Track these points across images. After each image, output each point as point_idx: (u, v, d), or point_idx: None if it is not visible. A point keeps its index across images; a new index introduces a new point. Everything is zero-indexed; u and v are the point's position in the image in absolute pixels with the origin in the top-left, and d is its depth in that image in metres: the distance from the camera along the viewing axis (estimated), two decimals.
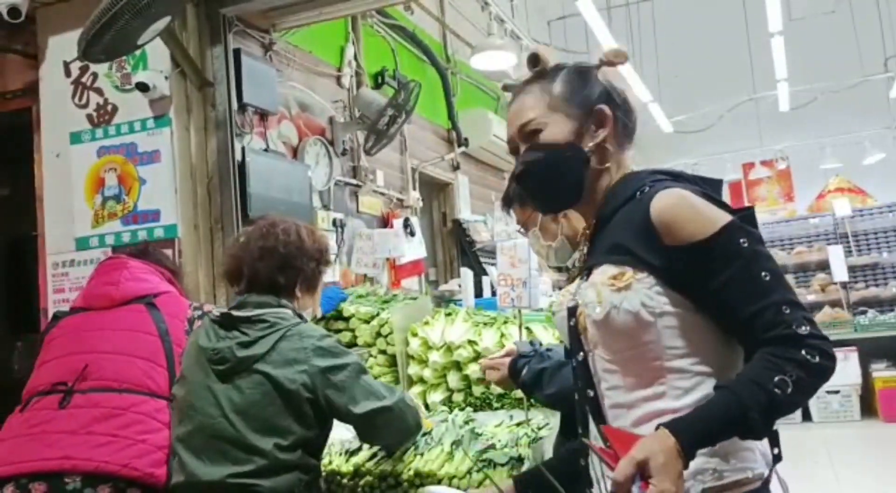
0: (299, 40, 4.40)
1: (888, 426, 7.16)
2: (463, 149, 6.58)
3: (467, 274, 4.87)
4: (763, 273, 1.30)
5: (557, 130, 1.47)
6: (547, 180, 1.50)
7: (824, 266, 8.38)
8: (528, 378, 2.08)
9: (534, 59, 1.53)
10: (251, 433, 1.90)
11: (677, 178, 1.46)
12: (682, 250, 1.32)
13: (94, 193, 3.54)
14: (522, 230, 2.16)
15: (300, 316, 2.09)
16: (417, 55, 5.98)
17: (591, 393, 1.47)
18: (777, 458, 1.37)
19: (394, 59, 5.59)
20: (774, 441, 1.36)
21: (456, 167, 6.62)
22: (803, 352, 1.24)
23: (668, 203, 1.35)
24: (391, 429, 2.14)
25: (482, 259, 6.17)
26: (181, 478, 1.98)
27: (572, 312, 1.48)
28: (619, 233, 1.41)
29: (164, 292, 2.51)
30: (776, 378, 1.22)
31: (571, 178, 1.47)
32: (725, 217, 1.33)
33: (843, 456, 6.22)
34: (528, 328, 2.95)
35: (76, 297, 2.62)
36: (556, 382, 1.97)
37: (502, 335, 3.08)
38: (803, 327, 1.26)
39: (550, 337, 3.03)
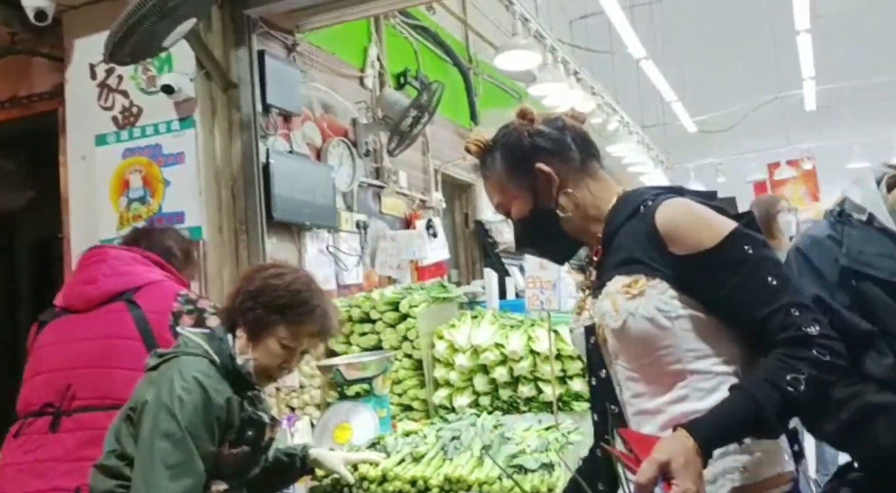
0: (322, 41, 4.38)
1: None
2: None
3: (491, 276, 4.82)
4: (770, 278, 1.33)
5: (519, 205, 1.58)
6: (538, 245, 1.67)
7: None
8: None
9: (473, 150, 1.64)
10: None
11: (677, 191, 1.50)
12: (689, 259, 1.36)
13: (119, 194, 3.54)
14: None
15: (231, 356, 1.92)
16: (440, 55, 5.95)
17: (616, 409, 1.50)
18: (798, 454, 1.40)
19: (416, 60, 5.56)
20: (794, 439, 1.40)
21: (478, 168, 6.56)
22: (814, 351, 1.27)
23: (672, 213, 1.40)
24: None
25: (504, 260, 6.12)
26: None
27: (590, 330, 1.52)
28: (627, 247, 1.44)
29: (146, 284, 2.34)
30: (788, 376, 1.25)
31: (554, 234, 1.57)
32: (729, 225, 1.38)
33: None
34: (555, 331, 2.91)
35: (58, 294, 2.48)
36: None
37: (529, 338, 3.04)
38: (813, 328, 1.29)
39: None
